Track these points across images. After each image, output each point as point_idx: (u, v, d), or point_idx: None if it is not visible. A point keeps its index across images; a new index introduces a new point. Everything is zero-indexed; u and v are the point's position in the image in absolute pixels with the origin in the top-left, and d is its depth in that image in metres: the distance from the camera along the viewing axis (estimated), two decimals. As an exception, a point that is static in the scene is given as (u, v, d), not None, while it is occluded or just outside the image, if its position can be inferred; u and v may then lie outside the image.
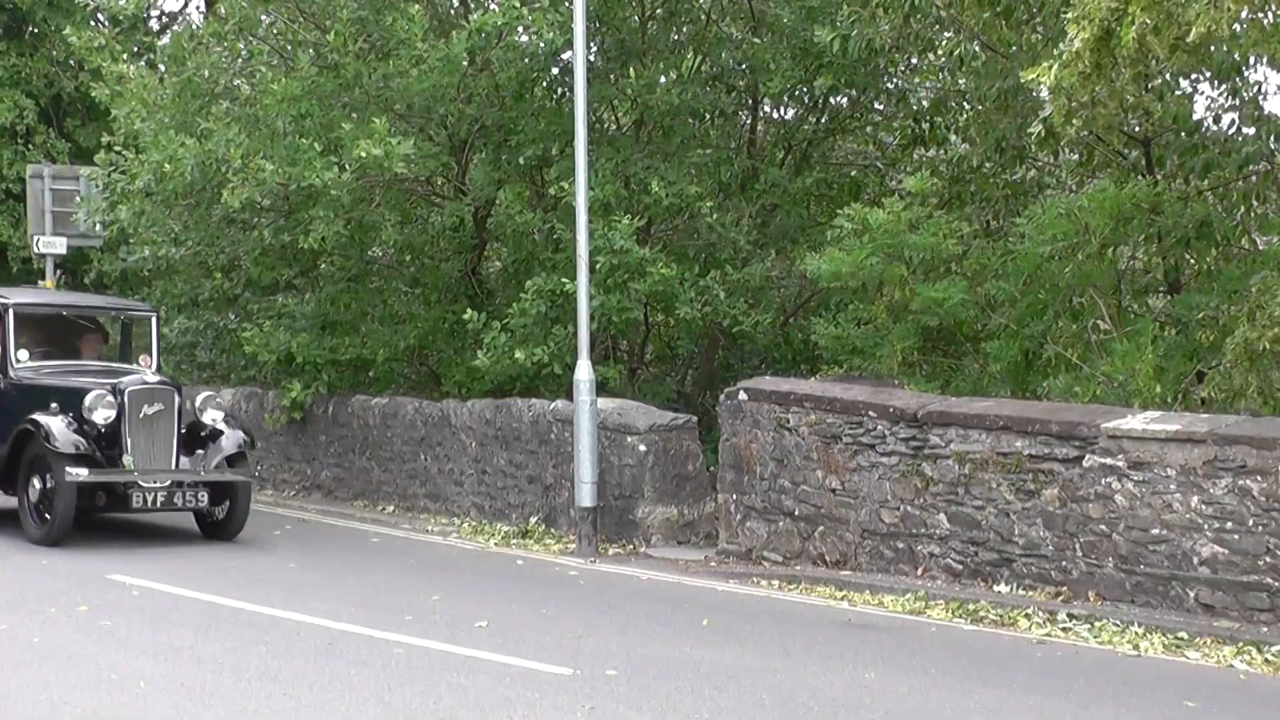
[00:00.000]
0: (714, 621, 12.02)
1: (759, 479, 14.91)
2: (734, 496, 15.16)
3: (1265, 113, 16.36)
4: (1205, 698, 9.75)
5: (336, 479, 20.20)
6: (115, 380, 15.50)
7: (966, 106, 19.18)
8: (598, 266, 17.28)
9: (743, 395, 15.16)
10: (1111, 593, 12.30)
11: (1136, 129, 16.90)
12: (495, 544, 16.54)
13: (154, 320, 17.46)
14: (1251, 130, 16.27)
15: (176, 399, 15.48)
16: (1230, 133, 16.54)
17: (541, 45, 18.57)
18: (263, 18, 19.97)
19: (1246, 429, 11.85)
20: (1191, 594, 11.87)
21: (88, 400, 15.04)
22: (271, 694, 9.26)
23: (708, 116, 20.59)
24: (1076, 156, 18.22)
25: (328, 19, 18.86)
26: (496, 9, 18.19)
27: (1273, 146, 16.20)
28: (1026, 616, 12.15)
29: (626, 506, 16.14)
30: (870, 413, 14.00)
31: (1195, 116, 16.90)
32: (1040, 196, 18.42)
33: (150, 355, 16.87)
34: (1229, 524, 11.67)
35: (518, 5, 17.71)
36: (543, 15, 17.94)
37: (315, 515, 18.94)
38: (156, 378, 15.82)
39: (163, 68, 20.62)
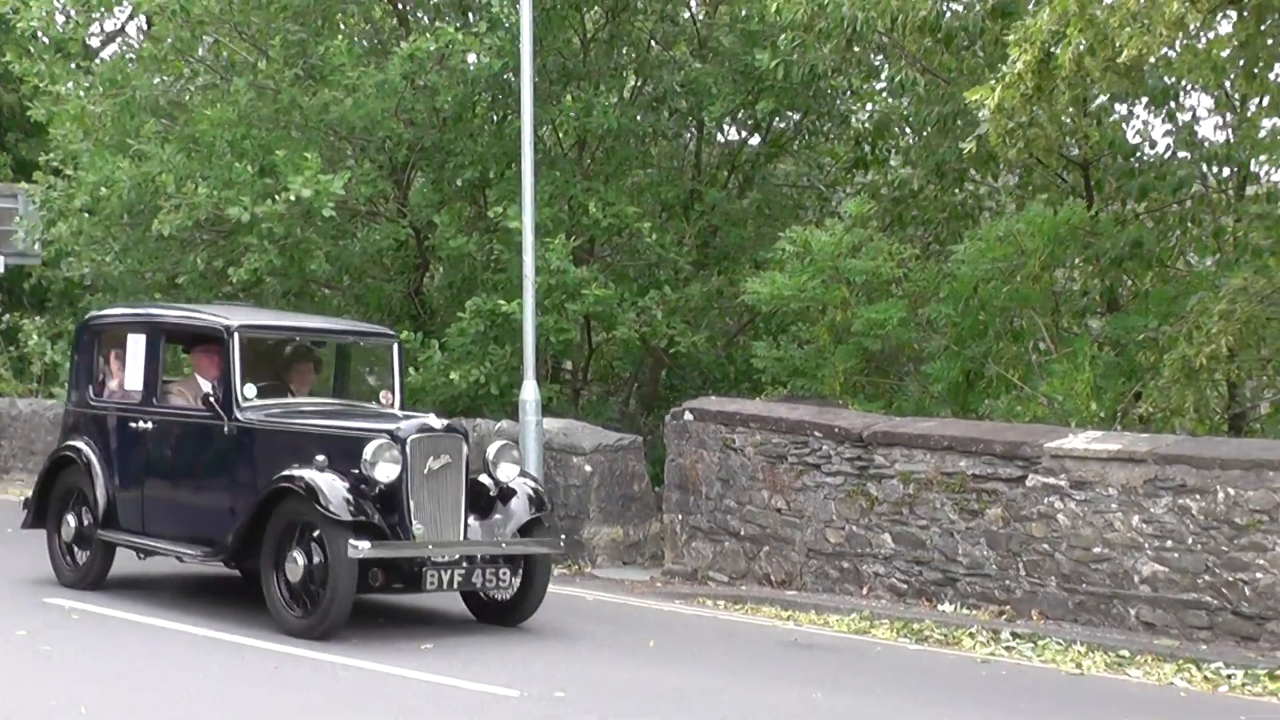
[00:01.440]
0: (661, 642, 12.03)
1: (705, 499, 14.94)
2: (680, 517, 15.18)
3: (1199, 137, 16.58)
4: (1146, 714, 9.84)
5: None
6: (393, 425, 12.00)
7: (908, 131, 19.31)
8: (536, 287, 17.30)
9: (688, 415, 15.19)
10: (1055, 611, 12.40)
11: (1075, 153, 17.06)
12: (440, 565, 16.45)
13: (396, 349, 13.86)
14: (1186, 154, 16.48)
15: (465, 449, 12.08)
16: (1166, 157, 16.75)
17: (478, 68, 18.60)
18: (204, 38, 19.92)
19: (1186, 448, 11.98)
20: (1133, 612, 11.97)
21: (369, 452, 11.56)
22: (216, 718, 9.20)
23: (649, 138, 20.65)
24: (1015, 179, 18.40)
25: (265, 41, 18.84)
26: (430, 36, 18.18)
27: (1205, 170, 16.41)
28: (971, 635, 12.22)
29: (572, 527, 16.12)
30: (815, 433, 14.06)
31: (1132, 141, 17.10)
32: (980, 219, 18.55)
33: (393, 392, 13.57)
34: (1169, 542, 11.79)
35: (453, 30, 17.77)
36: (479, 40, 17.99)
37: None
38: (441, 422, 12.17)
39: (100, 89, 20.51)
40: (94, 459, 13.31)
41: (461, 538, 11.91)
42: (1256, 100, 15.76)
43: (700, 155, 21.32)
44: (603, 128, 19.09)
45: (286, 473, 11.65)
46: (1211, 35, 14.11)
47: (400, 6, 21.30)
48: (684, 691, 10.17)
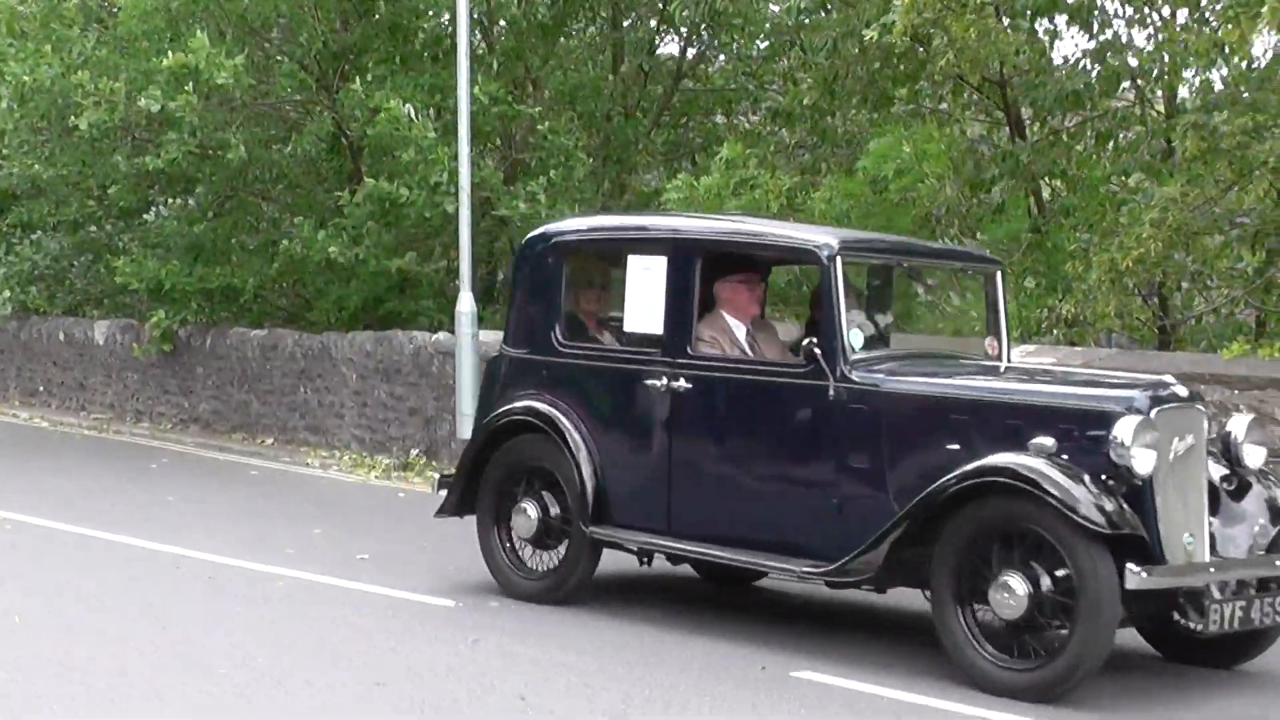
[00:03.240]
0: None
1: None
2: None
3: (1124, 49, 16.43)
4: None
5: (214, 412, 19.99)
6: (1130, 393, 8.52)
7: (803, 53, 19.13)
8: (402, 160, 17.24)
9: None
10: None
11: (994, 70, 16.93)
12: (376, 477, 16.49)
13: (999, 279, 10.17)
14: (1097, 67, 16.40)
15: (1204, 425, 8.74)
16: (1082, 68, 16.68)
17: None
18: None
19: (1119, 362, 12.07)
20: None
21: (1123, 431, 8.15)
22: (153, 629, 9.20)
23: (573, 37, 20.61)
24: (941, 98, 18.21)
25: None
26: None
27: (1133, 83, 16.35)
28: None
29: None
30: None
31: (1057, 61, 17.02)
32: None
33: (999, 338, 10.07)
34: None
35: None
36: None
37: (192, 449, 18.74)
38: (1181, 387, 8.73)
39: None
40: (572, 427, 9.84)
41: (1208, 552, 8.50)
42: (1186, 11, 15.69)
43: (618, 60, 21.21)
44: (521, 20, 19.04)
45: (988, 461, 8.32)
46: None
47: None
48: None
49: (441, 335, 16.99)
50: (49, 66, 17.75)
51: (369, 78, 17.89)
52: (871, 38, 14.15)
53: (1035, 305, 14.54)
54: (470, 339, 15.57)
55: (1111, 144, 16.39)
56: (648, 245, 9.92)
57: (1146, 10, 15.49)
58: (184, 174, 18.89)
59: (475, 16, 18.97)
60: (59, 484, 15.20)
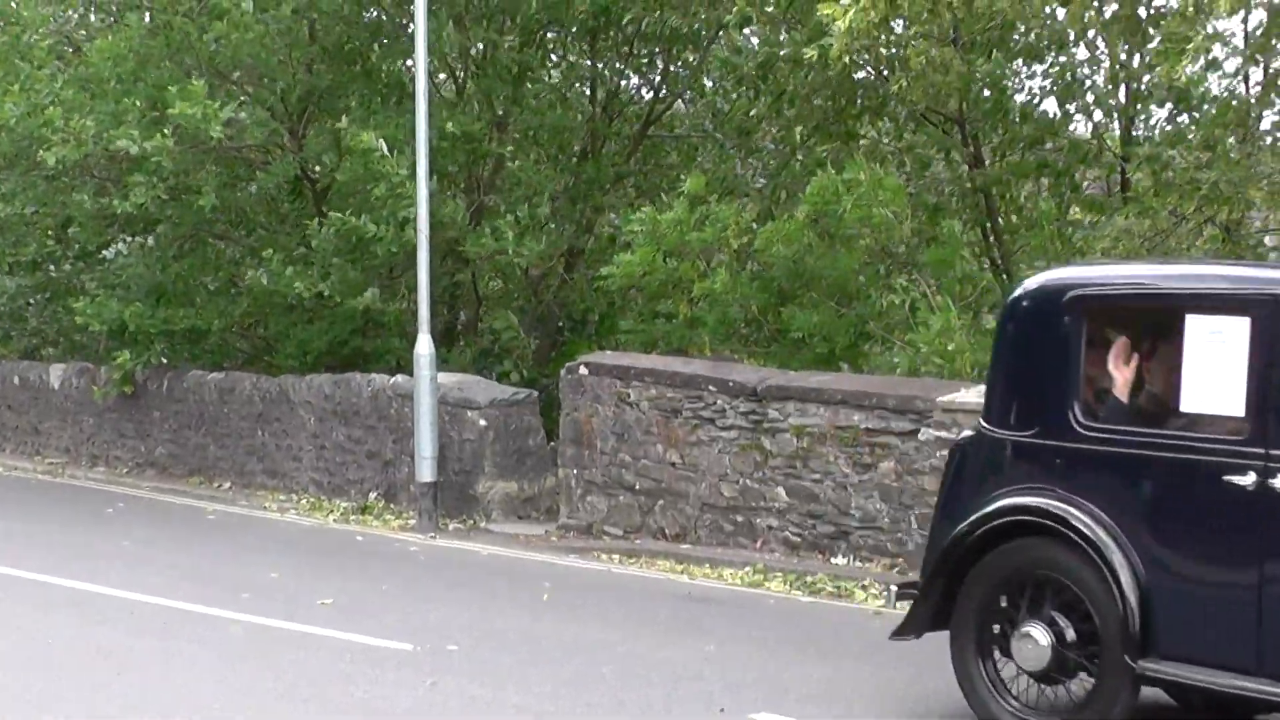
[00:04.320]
0: (555, 596, 12.05)
1: (599, 453, 14.96)
2: (575, 471, 15.19)
3: (1080, 85, 16.63)
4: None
5: (171, 455, 19.89)
6: None
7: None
8: (374, 196, 17.21)
9: (583, 370, 15.19)
10: (945, 564, 12.46)
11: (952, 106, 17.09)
12: (334, 520, 16.41)
13: None
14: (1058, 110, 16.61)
15: None
16: (1037, 104, 16.88)
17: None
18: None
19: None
20: (1022, 564, 12.04)
21: None
22: (109, 672, 9.14)
23: (536, 79, 20.63)
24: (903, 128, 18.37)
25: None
26: None
27: (1088, 118, 16.57)
28: (863, 588, 12.32)
29: (467, 482, 16.10)
30: (710, 387, 14.11)
31: (1019, 99, 17.22)
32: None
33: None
34: (1058, 496, 11.86)
35: None
36: None
37: (149, 493, 18.62)
38: None
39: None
40: (1103, 531, 7.81)
41: None
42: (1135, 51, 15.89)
43: (593, 102, 21.27)
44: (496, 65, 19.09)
45: None
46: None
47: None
48: (578, 645, 10.20)
49: (400, 378, 16.95)
50: (14, 105, 17.70)
51: (343, 120, 17.92)
52: (811, 56, 14.22)
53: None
54: (429, 381, 15.53)
55: (1066, 181, 16.60)
56: (1220, 302, 7.73)
57: (1100, 50, 15.70)
58: (147, 215, 18.84)
59: (444, 59, 19.07)
60: (12, 528, 15.09)
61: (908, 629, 8.58)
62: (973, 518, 8.22)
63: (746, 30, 19.00)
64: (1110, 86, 16.01)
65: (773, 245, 15.77)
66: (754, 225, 16.48)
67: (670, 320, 17.00)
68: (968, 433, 8.85)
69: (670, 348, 16.60)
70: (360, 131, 17.26)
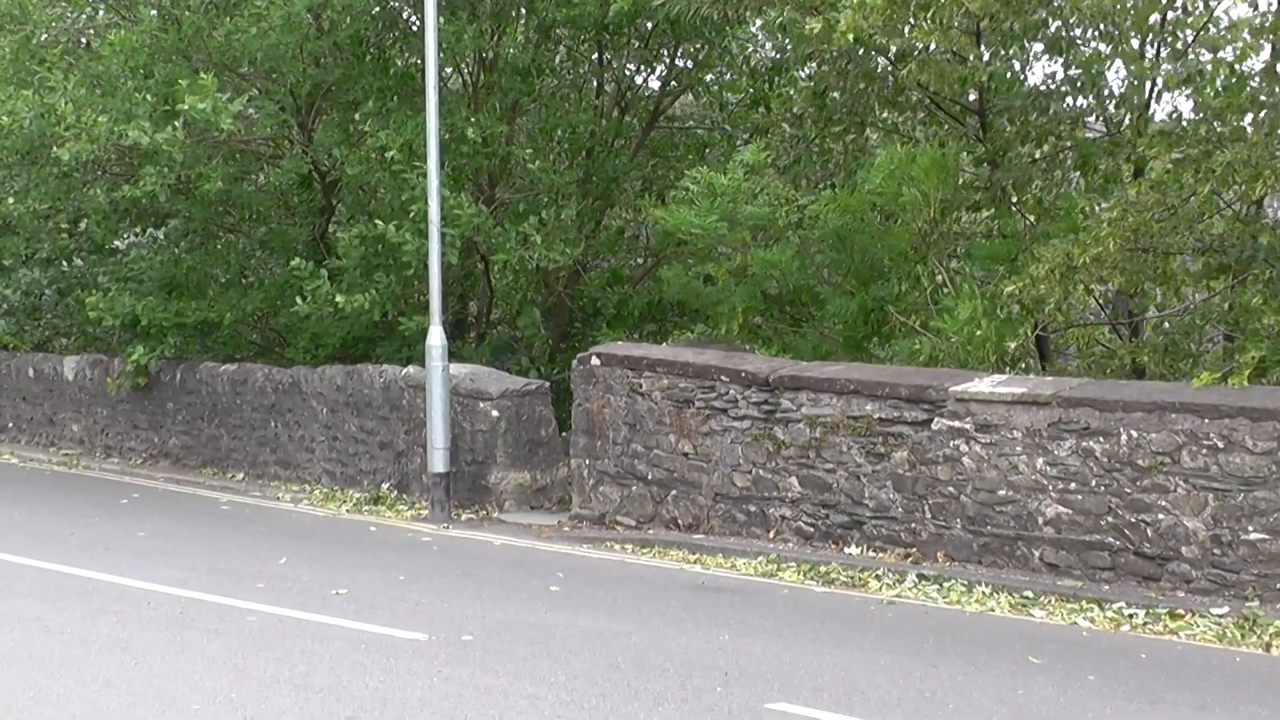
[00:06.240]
0: (568, 586, 12.05)
1: (612, 444, 14.95)
2: (587, 461, 15.18)
3: (1099, 79, 16.59)
4: (1050, 654, 9.96)
5: (185, 447, 19.93)
6: None
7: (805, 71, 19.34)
8: (413, 213, 17.22)
9: (595, 360, 15.18)
10: (959, 553, 12.52)
11: (972, 98, 17.09)
12: (347, 511, 16.43)
13: None
14: (1084, 100, 16.54)
15: None
16: (1058, 90, 16.81)
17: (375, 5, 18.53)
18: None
19: (1090, 391, 12.11)
20: (1036, 554, 12.11)
21: None
22: (123, 664, 9.14)
23: (551, 73, 20.60)
24: (922, 118, 18.37)
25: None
26: None
27: (1105, 110, 16.49)
28: (877, 578, 12.31)
29: (479, 472, 16.11)
30: (723, 377, 14.09)
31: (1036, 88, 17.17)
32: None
33: None
34: (1072, 485, 11.92)
35: None
36: None
37: (163, 484, 18.67)
38: None
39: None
40: None
41: None
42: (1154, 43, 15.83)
43: (601, 94, 21.26)
44: (506, 62, 19.04)
45: None
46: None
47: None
48: (591, 634, 10.19)
49: (412, 369, 16.95)
50: (27, 107, 17.71)
51: (357, 115, 17.92)
52: (814, 29, 14.16)
53: (1012, 332, 14.56)
54: (441, 371, 15.53)
55: (1079, 173, 16.54)
56: None
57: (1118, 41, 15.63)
58: (159, 207, 18.86)
59: (452, 55, 19.07)
60: (29, 519, 15.11)
61: None
62: None
63: (752, 28, 19.08)
64: (1133, 79, 15.91)
65: (829, 215, 15.77)
66: (800, 204, 16.58)
67: (708, 284, 17.06)
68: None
69: (702, 312, 16.65)
70: (379, 130, 17.30)
